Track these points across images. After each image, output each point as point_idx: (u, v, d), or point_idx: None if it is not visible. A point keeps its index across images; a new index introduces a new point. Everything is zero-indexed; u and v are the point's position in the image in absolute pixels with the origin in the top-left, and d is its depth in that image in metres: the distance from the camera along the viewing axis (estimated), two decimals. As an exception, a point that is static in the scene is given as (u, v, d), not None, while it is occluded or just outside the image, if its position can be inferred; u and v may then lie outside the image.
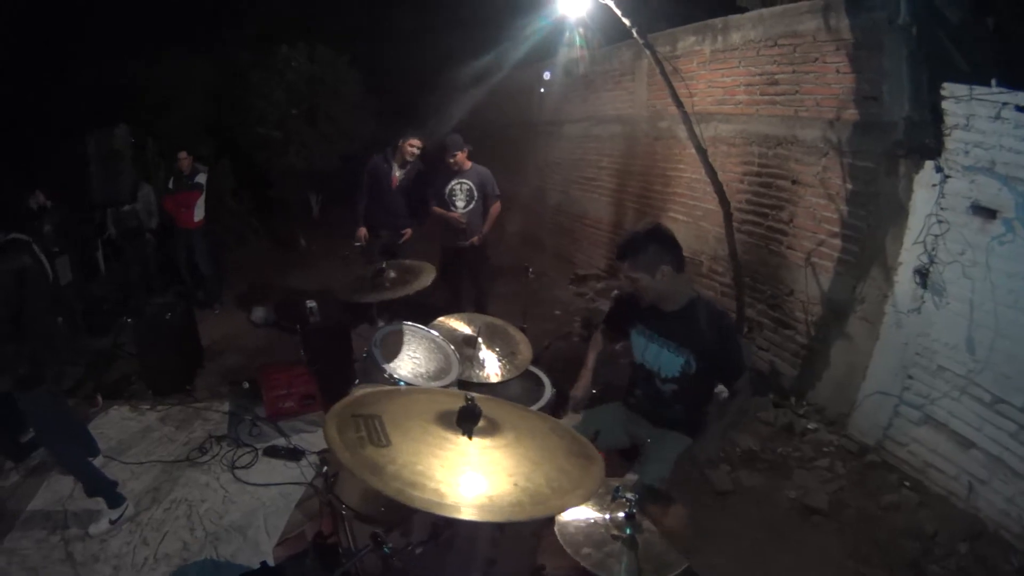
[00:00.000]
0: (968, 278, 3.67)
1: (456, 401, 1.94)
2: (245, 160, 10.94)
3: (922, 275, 3.93)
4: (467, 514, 1.57)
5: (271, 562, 3.13)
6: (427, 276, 3.80)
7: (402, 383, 3.09)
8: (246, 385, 5.12)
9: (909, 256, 4.06)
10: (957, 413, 3.75)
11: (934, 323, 3.90)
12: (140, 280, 7.56)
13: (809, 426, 4.58)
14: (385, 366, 3.18)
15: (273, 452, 4.31)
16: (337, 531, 2.68)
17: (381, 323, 3.96)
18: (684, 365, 2.77)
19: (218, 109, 11.39)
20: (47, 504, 3.73)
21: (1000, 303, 3.50)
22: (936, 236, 3.84)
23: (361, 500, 2.34)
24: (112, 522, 3.54)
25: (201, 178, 7.38)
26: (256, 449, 4.33)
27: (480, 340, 3.47)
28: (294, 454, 4.27)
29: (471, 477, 1.69)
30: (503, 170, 6.64)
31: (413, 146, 5.82)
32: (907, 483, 3.93)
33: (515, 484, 1.69)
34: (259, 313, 7.11)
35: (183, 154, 7.31)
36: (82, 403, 4.94)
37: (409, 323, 3.57)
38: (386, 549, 2.02)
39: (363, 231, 5.92)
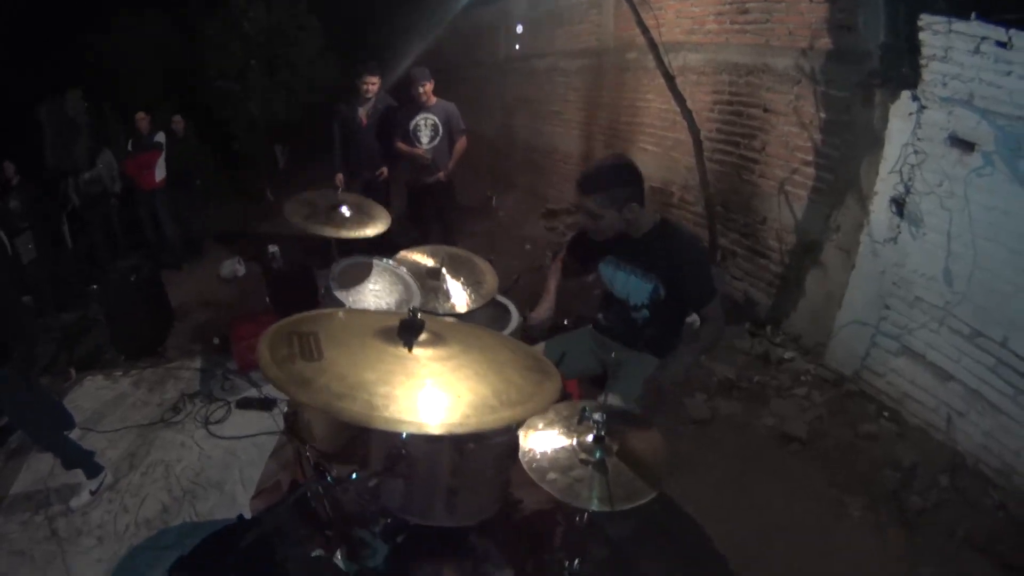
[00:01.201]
0: (946, 209, 3.63)
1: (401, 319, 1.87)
2: (205, 116, 10.64)
3: (898, 204, 3.89)
4: (403, 426, 1.51)
5: (248, 515, 3.09)
6: (382, 222, 3.72)
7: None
8: (216, 341, 5.09)
9: (885, 186, 4.02)
10: (935, 345, 3.75)
11: (911, 253, 3.88)
12: (105, 245, 7.44)
13: (785, 355, 4.60)
14: (344, 299, 3.10)
15: (246, 404, 4.31)
16: (304, 473, 2.61)
17: None
18: (652, 292, 2.66)
19: (175, 67, 11.09)
20: (29, 485, 3.70)
21: (978, 235, 3.47)
22: (912, 166, 3.80)
23: (322, 437, 2.27)
24: (92, 492, 3.52)
25: (160, 137, 7.34)
26: (229, 403, 4.34)
27: (444, 271, 3.37)
28: (266, 403, 4.26)
29: (409, 389, 1.62)
30: (470, 110, 6.53)
31: (369, 83, 5.72)
32: (885, 413, 3.97)
33: (457, 396, 1.63)
34: (227, 267, 7.02)
35: (141, 114, 7.27)
36: (56, 379, 4.89)
37: (368, 256, 3.48)
38: (329, 479, 1.94)
39: (340, 177, 5.77)
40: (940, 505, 3.29)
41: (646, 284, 2.66)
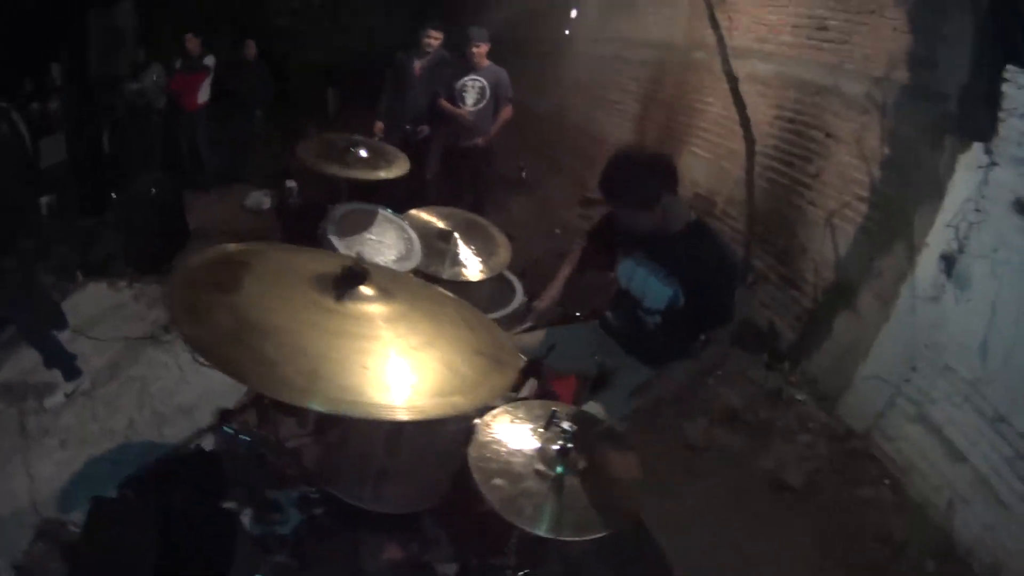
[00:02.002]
0: (996, 277, 3.37)
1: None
2: (262, 51, 10.65)
3: (948, 262, 3.63)
4: (282, 392, 1.29)
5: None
6: (399, 166, 3.58)
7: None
8: None
9: (937, 239, 3.76)
10: (955, 421, 3.50)
11: (950, 318, 3.62)
12: (142, 159, 7.43)
13: (798, 396, 4.39)
14: (338, 245, 2.94)
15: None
16: (261, 419, 2.38)
17: None
18: (671, 299, 2.40)
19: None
20: (10, 376, 3.76)
21: (1026, 313, 3.22)
22: (971, 224, 3.53)
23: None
24: (67, 395, 3.55)
25: (209, 60, 7.37)
26: None
27: (456, 235, 3.23)
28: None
29: (317, 349, 1.40)
30: (526, 86, 6.45)
31: (432, 37, 5.58)
32: (886, 481, 3.75)
33: (364, 367, 1.40)
34: (253, 199, 6.97)
35: (190, 35, 7.28)
36: (62, 280, 4.90)
37: (373, 205, 3.33)
38: (227, 430, 1.79)
39: (380, 125, 5.66)
40: (923, 590, 3.09)
41: (666, 288, 2.41)
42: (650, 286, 2.46)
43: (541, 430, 1.80)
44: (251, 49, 7.89)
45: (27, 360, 3.79)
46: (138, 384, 3.76)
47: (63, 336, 3.92)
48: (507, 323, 2.93)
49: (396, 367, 1.46)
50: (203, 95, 7.33)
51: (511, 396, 2.02)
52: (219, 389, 3.66)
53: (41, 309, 3.88)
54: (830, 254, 4.64)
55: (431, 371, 1.49)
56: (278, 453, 1.76)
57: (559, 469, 1.69)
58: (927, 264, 3.81)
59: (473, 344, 1.68)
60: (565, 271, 2.86)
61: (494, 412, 1.85)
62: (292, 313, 1.49)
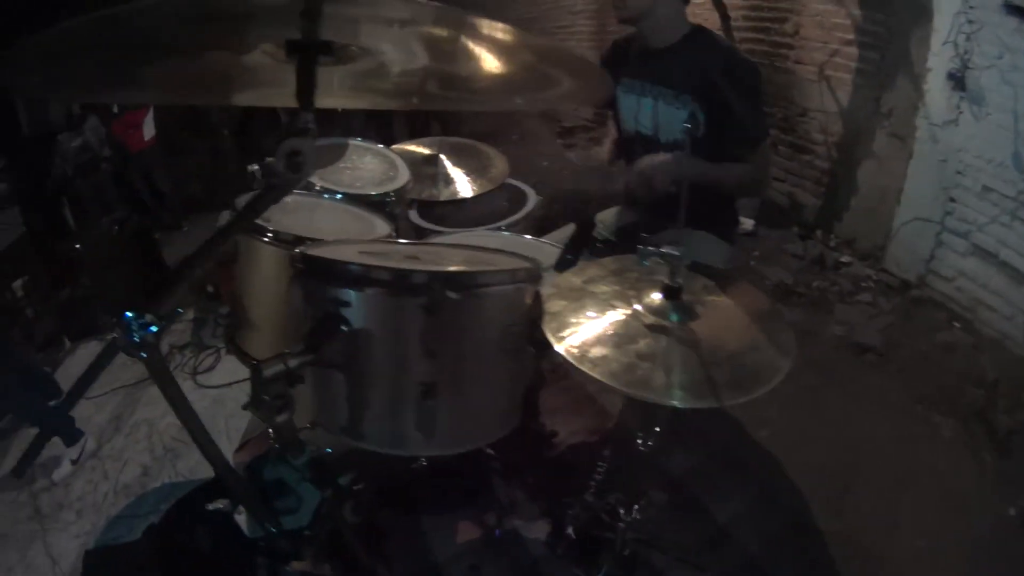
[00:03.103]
0: (1009, 84, 3.21)
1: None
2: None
3: (957, 79, 3.47)
4: None
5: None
6: None
7: (328, 196, 2.33)
8: (211, 288, 4.79)
9: (939, 61, 3.59)
10: (1008, 242, 3.31)
11: (975, 137, 3.44)
12: (100, 213, 7.17)
13: (842, 259, 4.21)
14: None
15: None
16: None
17: None
18: (690, 119, 2.03)
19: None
20: (15, 463, 3.51)
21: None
22: (968, 36, 3.39)
23: (271, 347, 1.48)
24: (73, 462, 3.37)
25: None
26: (219, 349, 4.12)
27: (442, 157, 3.01)
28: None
29: None
30: None
31: None
32: (956, 324, 3.55)
33: None
34: (225, 218, 6.65)
35: None
36: (51, 351, 4.74)
37: (342, 138, 2.99)
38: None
39: None
40: (1028, 425, 2.93)
41: (679, 110, 2.05)
42: (661, 114, 2.12)
43: (630, 281, 1.35)
44: None
45: (27, 442, 3.60)
46: (144, 428, 3.59)
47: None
48: (527, 225, 2.70)
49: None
50: (148, 131, 6.94)
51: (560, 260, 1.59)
52: (231, 407, 3.54)
53: (28, 382, 3.72)
54: (833, 107, 4.43)
55: None
56: (259, 406, 1.20)
57: (675, 317, 1.24)
58: (936, 88, 3.66)
59: None
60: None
61: (558, 277, 1.43)
62: None
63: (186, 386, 3.75)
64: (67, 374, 4.24)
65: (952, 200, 3.60)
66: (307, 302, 1.28)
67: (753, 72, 2.03)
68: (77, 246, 5.39)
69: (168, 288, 1.09)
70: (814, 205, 4.71)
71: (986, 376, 3.17)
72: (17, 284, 5.22)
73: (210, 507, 1.55)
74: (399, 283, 1.19)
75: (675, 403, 1.10)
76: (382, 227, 2.00)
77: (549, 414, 1.63)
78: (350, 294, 1.19)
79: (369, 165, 2.80)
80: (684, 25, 2.07)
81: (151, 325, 0.99)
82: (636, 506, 1.57)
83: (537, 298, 1.31)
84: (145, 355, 1.00)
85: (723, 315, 1.28)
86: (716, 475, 2.23)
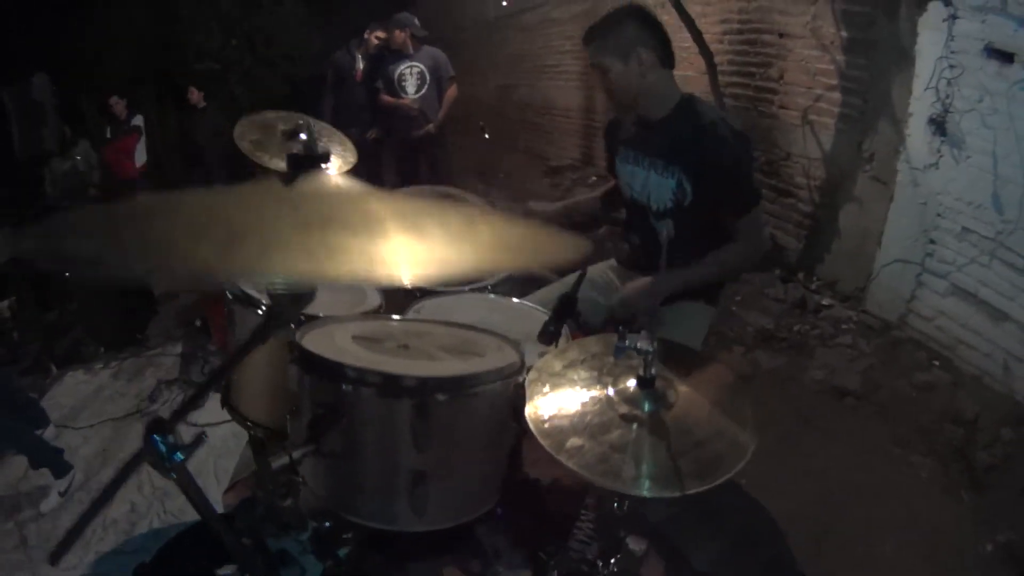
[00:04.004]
0: (989, 128, 3.27)
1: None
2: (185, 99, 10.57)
3: (938, 124, 3.53)
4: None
5: (219, 510, 2.76)
6: (344, 158, 3.27)
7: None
8: (198, 322, 4.81)
9: (920, 105, 3.66)
10: (988, 281, 3.36)
11: (955, 179, 3.50)
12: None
13: (823, 302, 4.25)
14: None
15: (223, 385, 4.04)
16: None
17: None
18: (676, 190, 2.09)
19: (151, 50, 10.65)
20: (1, 490, 3.50)
21: (1028, 155, 3.11)
22: (949, 81, 3.44)
23: (261, 406, 1.77)
24: (61, 494, 3.34)
25: (138, 120, 6.99)
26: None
27: None
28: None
29: (274, 227, 0.92)
30: (463, 75, 6.21)
31: (378, 37, 5.47)
32: (936, 362, 3.60)
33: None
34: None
35: (115, 99, 6.87)
36: (37, 377, 4.66)
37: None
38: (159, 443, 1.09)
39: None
40: (1008, 461, 2.95)
41: (668, 180, 2.11)
42: (651, 183, 2.19)
43: (607, 367, 1.40)
44: (194, 95, 7.41)
45: (14, 469, 3.58)
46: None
47: (48, 433, 3.73)
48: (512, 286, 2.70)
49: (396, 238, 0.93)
50: (140, 158, 6.97)
51: (546, 350, 1.68)
52: (219, 449, 3.46)
53: (14, 411, 3.64)
54: (816, 152, 4.50)
55: (447, 234, 0.99)
56: (263, 480, 1.30)
57: (647, 406, 1.29)
58: (917, 133, 3.72)
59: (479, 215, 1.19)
60: (571, 200, 2.66)
61: (540, 361, 1.49)
62: (231, 207, 1.00)
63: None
64: (55, 403, 4.19)
65: (932, 242, 3.66)
66: (304, 391, 1.40)
67: (740, 143, 2.09)
68: (67, 274, 5.38)
69: (191, 406, 1.21)
70: (796, 248, 4.76)
71: (965, 414, 3.21)
72: (3, 304, 5.27)
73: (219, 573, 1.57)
74: (391, 386, 1.30)
75: (643, 493, 1.17)
76: (373, 298, 2.05)
77: (531, 464, 1.65)
78: (346, 391, 1.32)
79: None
80: (675, 95, 2.13)
81: (177, 451, 1.08)
82: (615, 558, 1.59)
83: (520, 384, 1.41)
84: (175, 476, 1.09)
85: (692, 401, 1.34)
86: (694, 521, 2.26)
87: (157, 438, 1.06)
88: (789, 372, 3.70)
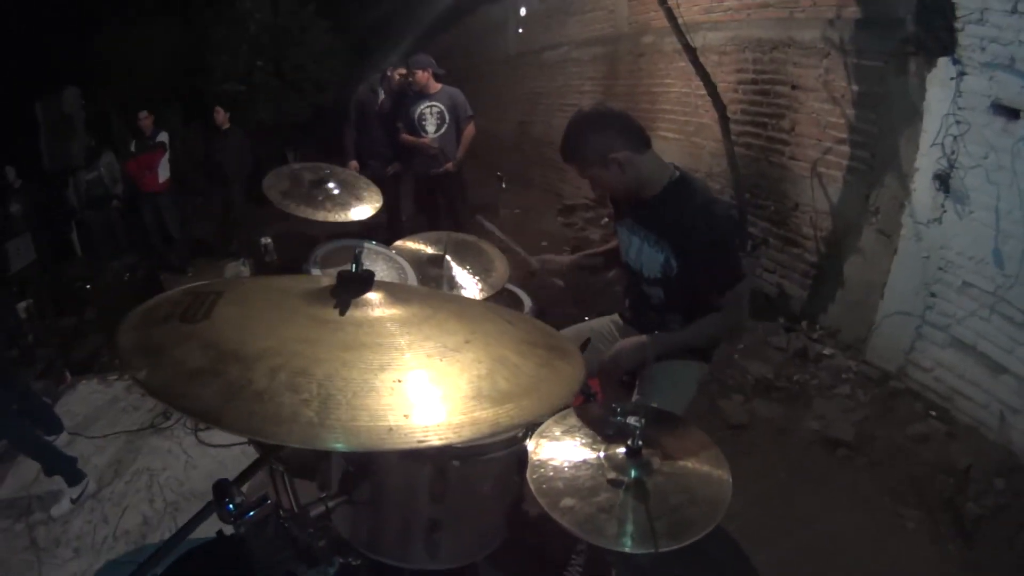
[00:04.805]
0: (993, 183, 3.33)
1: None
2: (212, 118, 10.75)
3: (942, 180, 3.58)
4: (290, 434, 0.93)
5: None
6: (371, 203, 3.37)
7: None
8: None
9: (926, 161, 3.71)
10: (986, 335, 3.41)
11: (958, 234, 3.56)
12: (107, 249, 7.27)
13: (824, 351, 4.27)
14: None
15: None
16: (276, 488, 1.97)
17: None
18: (664, 264, 2.22)
19: (180, 69, 10.95)
20: (12, 492, 3.55)
21: (1031, 212, 3.15)
22: (955, 138, 3.50)
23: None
24: (73, 501, 3.36)
25: (163, 137, 7.13)
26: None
27: (448, 258, 3.04)
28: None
29: (324, 368, 1.03)
30: (483, 109, 6.44)
31: (400, 74, 5.59)
32: (933, 412, 3.63)
33: (397, 381, 1.04)
34: (231, 269, 6.77)
35: (143, 114, 7.02)
36: (51, 383, 4.68)
37: (356, 240, 3.15)
38: (230, 507, 1.32)
39: (354, 164, 5.57)
40: (998, 511, 2.96)
41: (658, 254, 2.23)
42: (644, 254, 2.31)
43: (602, 434, 1.58)
44: (220, 115, 7.48)
45: (27, 471, 3.62)
46: (145, 477, 3.56)
47: (60, 440, 3.78)
48: None
49: (435, 377, 1.09)
50: (163, 173, 7.09)
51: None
52: (230, 466, 3.51)
53: (34, 416, 3.75)
54: (823, 203, 4.56)
55: (483, 373, 1.12)
56: (302, 524, 1.44)
57: (633, 473, 1.46)
58: (922, 188, 3.77)
59: (522, 335, 1.34)
60: (581, 255, 2.78)
61: (543, 426, 1.65)
62: (283, 333, 1.12)
63: (187, 442, 3.79)
64: (69, 410, 4.23)
65: (933, 295, 3.71)
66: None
67: (726, 225, 2.28)
68: (88, 286, 5.47)
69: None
70: (800, 297, 4.82)
71: (957, 464, 3.23)
72: (21, 306, 5.32)
73: None
74: (413, 453, 1.44)
75: (625, 549, 1.33)
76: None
77: (530, 501, 1.76)
78: (374, 454, 1.50)
79: (380, 271, 2.87)
80: (663, 173, 2.22)
81: (249, 511, 1.28)
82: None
83: (525, 450, 1.59)
84: (243, 529, 1.27)
85: (672, 468, 1.51)
86: (683, 568, 2.31)
87: (231, 507, 1.29)
88: (785, 422, 3.72)
